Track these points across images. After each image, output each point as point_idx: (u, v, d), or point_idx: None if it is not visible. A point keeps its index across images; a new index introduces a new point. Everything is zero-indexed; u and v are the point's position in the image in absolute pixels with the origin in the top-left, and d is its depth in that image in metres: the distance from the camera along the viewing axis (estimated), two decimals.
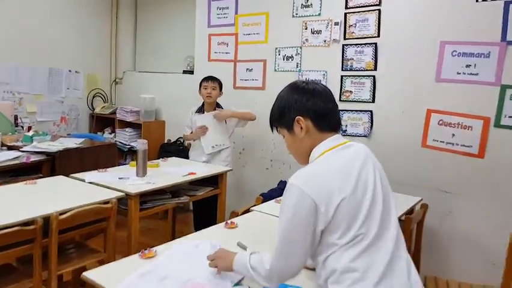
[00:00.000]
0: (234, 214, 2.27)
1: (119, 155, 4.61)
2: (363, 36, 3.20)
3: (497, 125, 2.70)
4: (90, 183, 2.59)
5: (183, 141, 4.55)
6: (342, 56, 3.32)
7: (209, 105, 3.40)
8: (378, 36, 3.15)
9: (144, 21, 5.12)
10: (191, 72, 4.45)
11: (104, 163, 3.61)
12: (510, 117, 2.65)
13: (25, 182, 2.51)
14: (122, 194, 2.41)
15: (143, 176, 2.80)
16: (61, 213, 2.04)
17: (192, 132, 3.52)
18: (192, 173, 2.98)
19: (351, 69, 3.29)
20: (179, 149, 4.45)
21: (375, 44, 3.15)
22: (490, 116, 2.74)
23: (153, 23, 5.01)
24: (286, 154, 3.97)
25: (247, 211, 2.37)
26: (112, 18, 5.01)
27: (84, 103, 4.86)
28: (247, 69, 3.93)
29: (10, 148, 3.40)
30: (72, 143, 3.52)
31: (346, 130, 3.36)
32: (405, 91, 3.06)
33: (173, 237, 3.64)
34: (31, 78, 4.21)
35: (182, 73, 4.53)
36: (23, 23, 4.10)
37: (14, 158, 3.09)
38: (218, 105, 3.44)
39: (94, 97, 4.97)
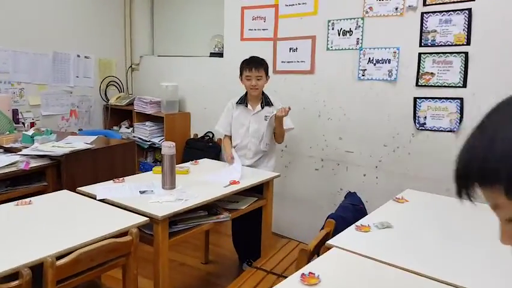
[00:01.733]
0: (305, 253, 1.59)
1: (139, 152, 4.00)
2: (452, 0, 2.45)
3: None
4: (102, 201, 1.95)
5: (212, 136, 3.89)
6: (421, 28, 2.57)
7: (254, 97, 2.70)
8: None
9: None
10: (220, 54, 3.75)
11: (122, 166, 3.00)
12: None
13: (16, 202, 1.87)
14: (146, 219, 1.75)
15: (172, 189, 2.15)
16: (60, 257, 1.41)
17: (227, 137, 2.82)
18: (234, 182, 2.32)
19: (433, 45, 2.54)
20: (208, 146, 3.79)
21: (469, 10, 2.39)
22: None
23: None
24: (342, 153, 3.11)
25: (320, 245, 1.70)
26: None
27: (96, 93, 4.23)
28: (290, 48, 3.21)
29: (7, 151, 2.79)
30: (81, 143, 2.89)
31: (425, 123, 2.63)
32: (508, 71, 2.30)
33: (206, 251, 3.00)
34: (32, 65, 3.57)
35: (210, 56, 3.85)
36: (20, 1, 3.45)
37: (10, 165, 2.48)
38: (265, 97, 2.71)
39: (107, 86, 4.33)
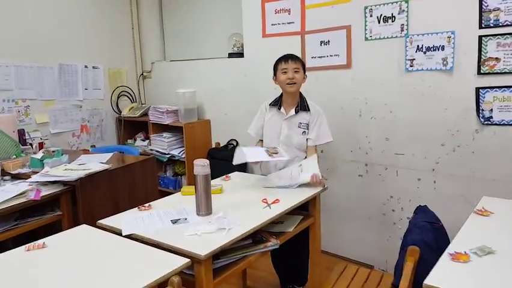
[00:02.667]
0: None
1: (158, 166, 3.68)
2: None
3: None
4: (129, 237, 1.63)
5: (236, 143, 3.55)
6: (480, 6, 2.21)
7: (290, 96, 2.36)
8: None
9: None
10: (239, 54, 3.42)
11: (143, 186, 2.69)
12: None
13: (27, 247, 1.54)
14: (187, 261, 1.42)
15: (208, 214, 1.82)
16: None
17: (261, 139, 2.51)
18: (276, 201, 1.98)
19: (496, 26, 2.17)
20: (233, 155, 3.44)
21: None
22: None
23: None
24: (390, 156, 2.68)
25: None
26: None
27: (108, 105, 3.92)
28: (321, 42, 2.86)
29: (15, 177, 2.49)
30: (96, 163, 2.57)
31: (491, 117, 2.26)
32: None
33: (244, 276, 2.66)
34: (37, 79, 3.27)
35: (228, 57, 3.51)
36: (23, 11, 3.15)
37: (19, 195, 2.17)
38: (301, 100, 2.38)
39: (119, 97, 4.02)
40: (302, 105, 2.34)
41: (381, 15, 2.56)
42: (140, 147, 3.85)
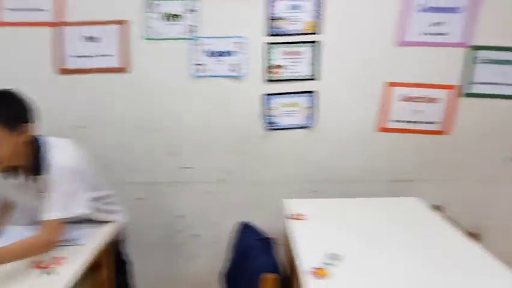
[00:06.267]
0: None
1: None
2: None
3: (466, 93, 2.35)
4: None
5: None
6: (268, 14, 2.28)
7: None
8: None
9: None
10: None
11: None
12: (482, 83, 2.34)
13: None
14: None
15: None
16: None
17: None
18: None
19: (282, 34, 2.30)
20: None
21: None
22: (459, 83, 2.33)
23: None
24: (175, 171, 2.31)
25: None
26: None
27: None
28: (87, 37, 2.28)
29: None
30: None
31: (277, 122, 2.34)
32: (359, 60, 2.31)
33: None
34: None
35: None
36: None
37: None
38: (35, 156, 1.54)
39: None
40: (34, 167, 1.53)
41: (166, 12, 2.28)
42: None
